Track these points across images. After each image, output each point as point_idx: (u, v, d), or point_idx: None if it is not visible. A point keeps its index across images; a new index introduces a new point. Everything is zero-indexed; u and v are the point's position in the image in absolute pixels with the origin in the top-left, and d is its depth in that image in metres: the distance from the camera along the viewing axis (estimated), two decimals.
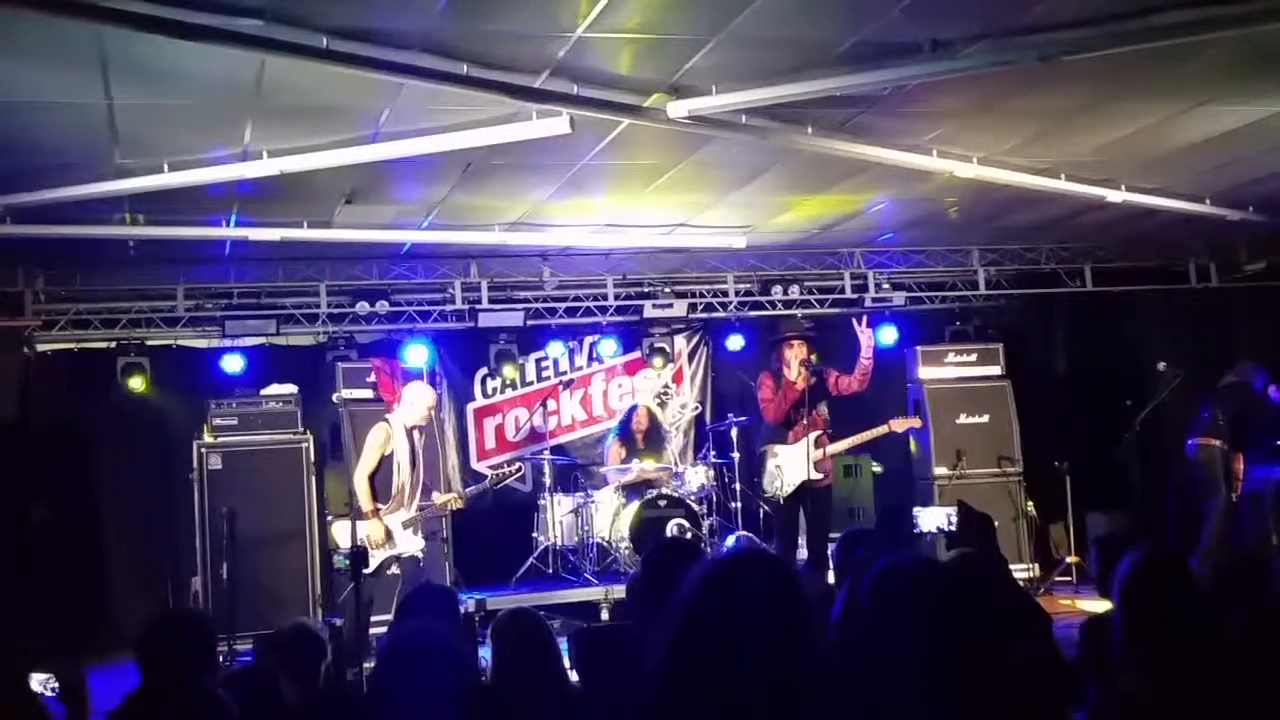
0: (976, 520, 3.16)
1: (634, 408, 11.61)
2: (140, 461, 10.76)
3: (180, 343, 11.05)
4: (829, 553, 7.53)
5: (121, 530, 10.56)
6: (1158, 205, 9.49)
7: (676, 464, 11.25)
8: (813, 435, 8.94)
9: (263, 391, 10.34)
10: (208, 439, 10.08)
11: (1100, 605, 5.52)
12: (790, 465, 9.03)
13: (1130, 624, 3.21)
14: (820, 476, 9.01)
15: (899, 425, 9.64)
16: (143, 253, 9.69)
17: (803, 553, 9.28)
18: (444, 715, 2.85)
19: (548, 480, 11.01)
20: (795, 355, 9.10)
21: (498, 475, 9.13)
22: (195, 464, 9.98)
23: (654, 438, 11.59)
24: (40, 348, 10.50)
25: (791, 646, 2.17)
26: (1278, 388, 10.08)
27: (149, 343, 10.65)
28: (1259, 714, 2.93)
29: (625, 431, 11.44)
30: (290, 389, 10.47)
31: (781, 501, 9.16)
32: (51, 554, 10.08)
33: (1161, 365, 10.21)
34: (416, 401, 8.18)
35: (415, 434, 8.12)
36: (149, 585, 10.41)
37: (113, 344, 10.58)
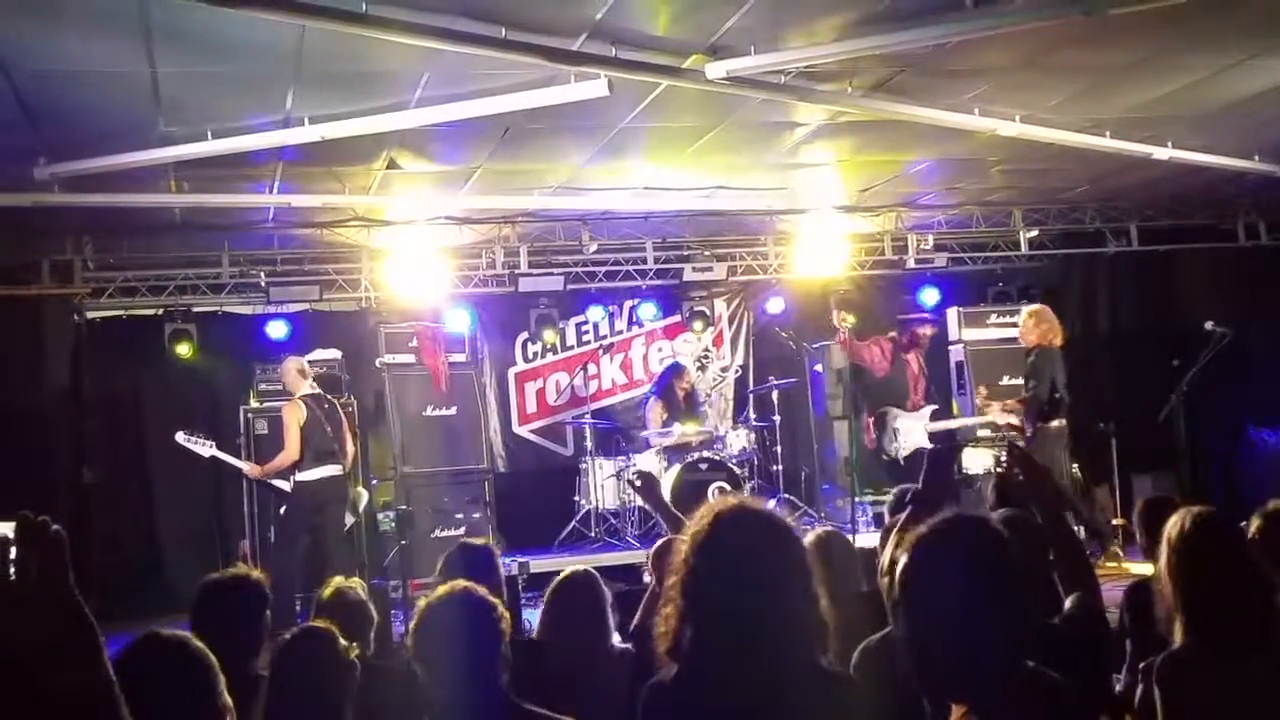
0: (1025, 468, 3.08)
1: (674, 366, 11.59)
2: (189, 426, 10.89)
3: (225, 309, 11.19)
4: None
5: (172, 494, 10.72)
6: (1205, 162, 9.34)
7: (718, 427, 11.24)
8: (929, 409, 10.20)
9: (307, 357, 10.44)
10: (254, 404, 10.25)
11: (1146, 568, 5.49)
12: (907, 431, 9.68)
13: (1179, 587, 3.18)
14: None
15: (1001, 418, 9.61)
16: (188, 220, 9.79)
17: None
18: (490, 676, 2.88)
19: (589, 444, 11.08)
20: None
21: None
22: (242, 428, 10.15)
23: (693, 398, 11.58)
24: (90, 315, 10.67)
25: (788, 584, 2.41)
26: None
27: (195, 309, 10.80)
28: None
29: (664, 391, 11.42)
30: (334, 354, 10.60)
31: (902, 462, 9.90)
32: (106, 517, 10.29)
33: (1209, 325, 10.05)
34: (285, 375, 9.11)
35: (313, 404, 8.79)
36: (199, 547, 10.56)
37: (160, 311, 10.73)
